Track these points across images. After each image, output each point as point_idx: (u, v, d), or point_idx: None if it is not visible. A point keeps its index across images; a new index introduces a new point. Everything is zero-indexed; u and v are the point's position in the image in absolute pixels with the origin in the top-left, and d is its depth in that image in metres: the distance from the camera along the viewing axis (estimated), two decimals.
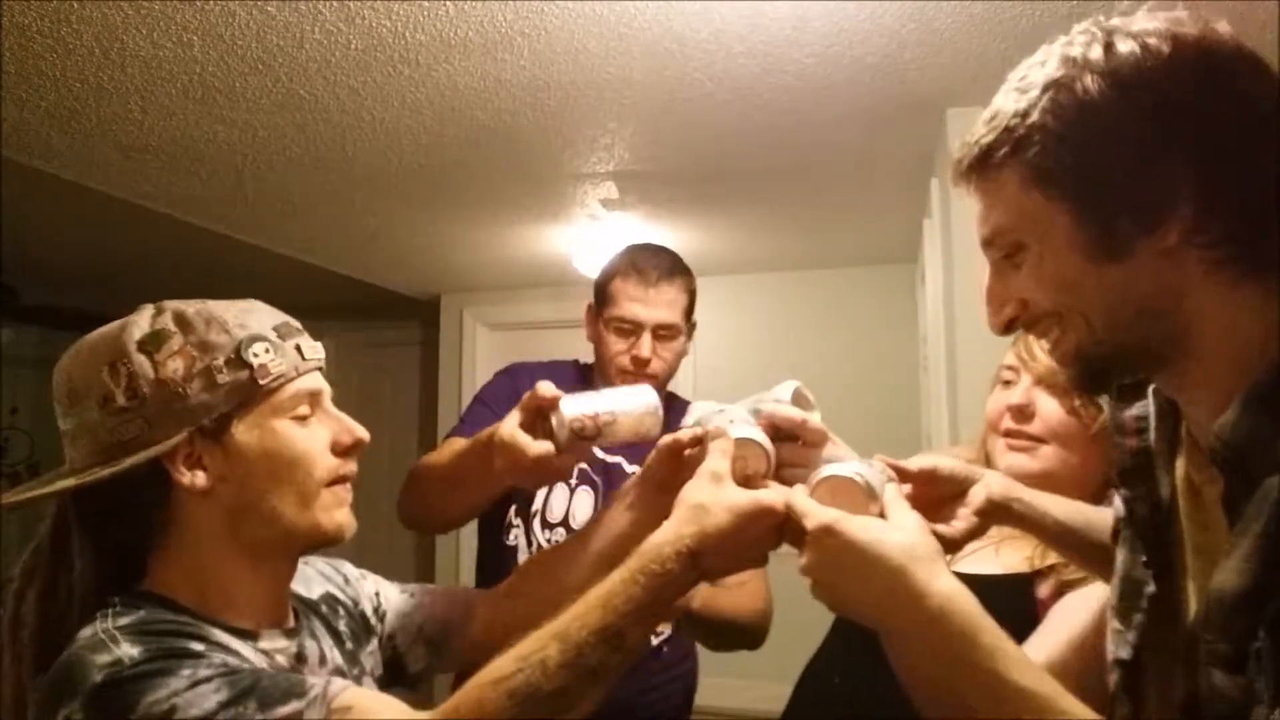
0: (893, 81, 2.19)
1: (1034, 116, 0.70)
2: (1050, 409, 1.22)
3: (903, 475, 0.93)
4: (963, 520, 0.94)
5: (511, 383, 1.72)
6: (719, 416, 1.00)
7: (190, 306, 0.89)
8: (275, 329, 0.91)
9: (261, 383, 0.87)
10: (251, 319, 0.90)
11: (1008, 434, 1.25)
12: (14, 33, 1.93)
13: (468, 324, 4.60)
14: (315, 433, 0.92)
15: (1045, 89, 0.71)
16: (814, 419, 0.99)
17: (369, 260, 4.02)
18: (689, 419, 1.03)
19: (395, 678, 1.07)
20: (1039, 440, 1.23)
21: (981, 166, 0.73)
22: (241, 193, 2.99)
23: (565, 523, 1.66)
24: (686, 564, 0.81)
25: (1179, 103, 0.66)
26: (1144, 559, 0.77)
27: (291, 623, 0.95)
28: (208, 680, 0.75)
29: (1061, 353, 0.73)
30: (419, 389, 4.98)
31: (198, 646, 0.79)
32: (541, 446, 1.08)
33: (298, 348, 0.92)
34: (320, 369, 0.96)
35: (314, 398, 0.94)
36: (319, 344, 0.96)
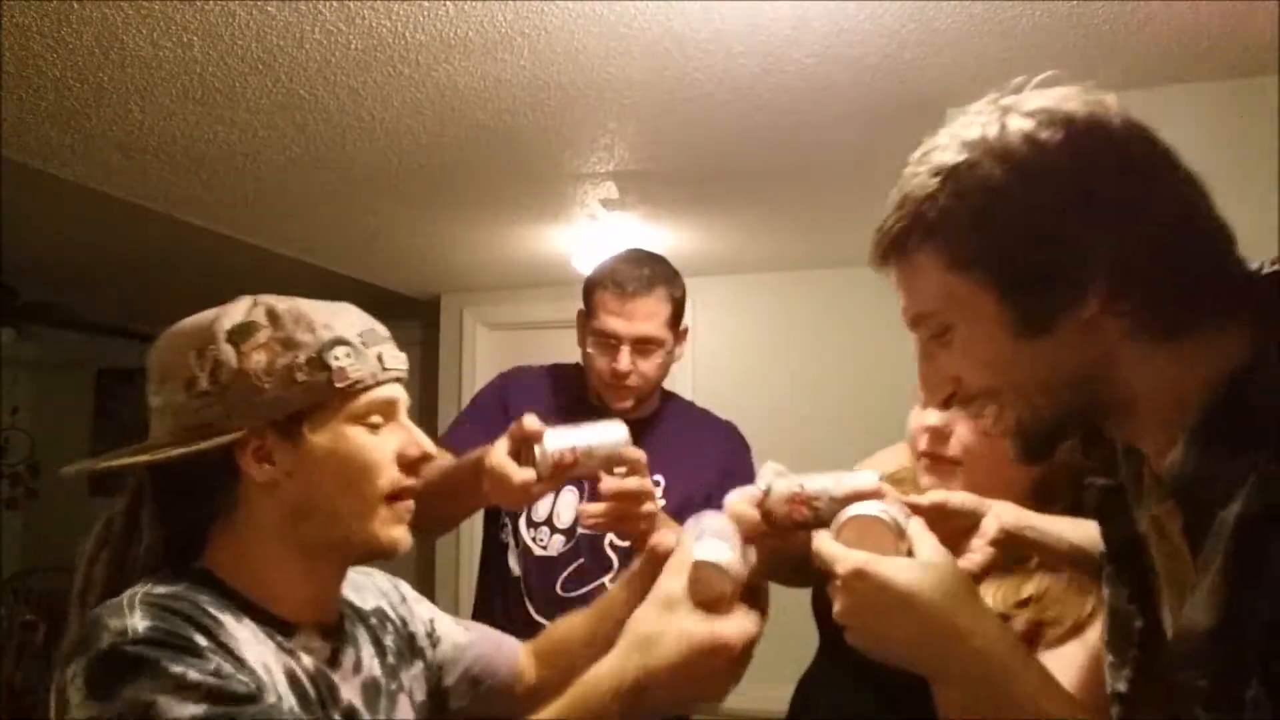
0: (893, 81, 2.19)
1: (942, 200, 0.71)
2: (966, 431, 1.19)
3: (914, 510, 0.91)
4: (978, 552, 0.94)
5: (500, 397, 1.76)
6: (780, 481, 0.96)
7: (282, 303, 0.90)
8: (360, 334, 0.92)
9: (338, 386, 0.88)
10: (339, 321, 0.91)
11: (924, 455, 1.23)
12: (14, 33, 1.92)
13: (468, 324, 4.60)
14: (385, 442, 0.92)
15: (949, 174, 0.71)
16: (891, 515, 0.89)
17: (369, 260, 4.02)
18: (760, 482, 0.98)
19: (437, 708, 1.06)
20: (955, 463, 1.20)
21: (897, 251, 0.75)
22: (241, 193, 2.99)
23: (549, 521, 1.72)
24: (628, 702, 0.75)
25: (1078, 181, 0.67)
26: (1128, 593, 0.77)
27: (335, 625, 0.95)
28: (195, 687, 0.74)
29: (1003, 428, 0.74)
30: (419, 389, 4.98)
31: (202, 641, 0.79)
32: (526, 474, 1.16)
33: (379, 356, 0.92)
34: (401, 379, 0.96)
35: (389, 407, 0.93)
36: (402, 354, 0.96)
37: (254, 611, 0.87)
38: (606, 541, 1.67)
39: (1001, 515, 0.96)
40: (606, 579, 1.66)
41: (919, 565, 0.76)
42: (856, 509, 0.83)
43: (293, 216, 3.29)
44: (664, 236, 3.55)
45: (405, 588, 1.12)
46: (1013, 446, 0.75)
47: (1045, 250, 0.67)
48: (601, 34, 1.96)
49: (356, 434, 0.90)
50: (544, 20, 1.90)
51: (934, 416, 1.21)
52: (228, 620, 0.83)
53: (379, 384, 0.92)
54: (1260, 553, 0.58)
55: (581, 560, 1.68)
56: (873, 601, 0.75)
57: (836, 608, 0.77)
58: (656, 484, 1.48)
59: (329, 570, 0.94)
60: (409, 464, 0.93)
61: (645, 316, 1.69)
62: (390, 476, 0.91)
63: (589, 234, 3.28)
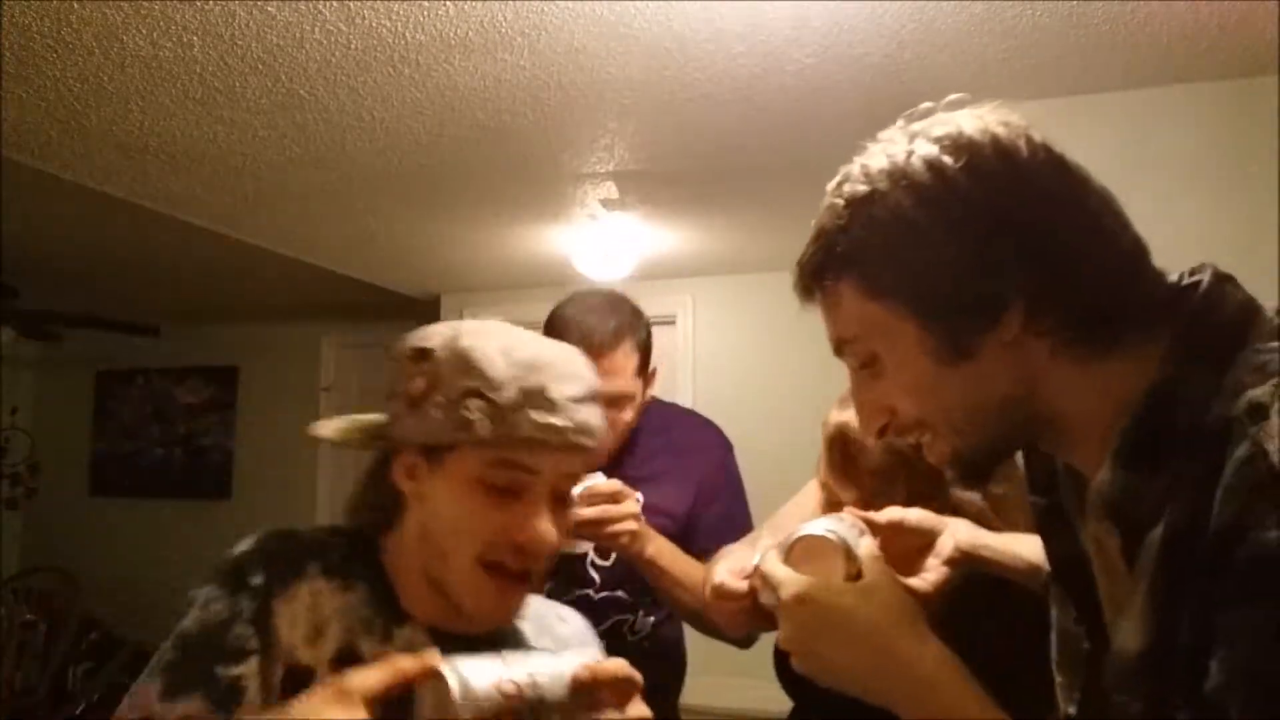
0: (893, 81, 2.19)
1: (854, 231, 0.71)
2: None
3: (871, 527, 0.91)
4: (933, 571, 0.93)
5: None
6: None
7: (473, 337, 0.88)
8: (529, 392, 0.85)
9: (465, 436, 0.85)
10: (535, 372, 0.86)
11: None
12: (14, 33, 1.93)
13: None
14: (494, 511, 0.87)
15: (859, 204, 0.71)
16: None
17: (369, 260, 4.02)
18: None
19: None
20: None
21: (817, 282, 0.75)
22: (241, 193, 2.99)
23: None
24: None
25: (985, 206, 0.67)
26: (1075, 614, 0.76)
27: (460, 637, 0.88)
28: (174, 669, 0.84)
29: (937, 455, 0.74)
30: None
31: (248, 608, 0.85)
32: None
33: (540, 422, 0.85)
34: (574, 450, 0.88)
35: (525, 479, 0.87)
36: (590, 430, 0.88)
37: (377, 585, 0.91)
38: (589, 560, 1.63)
39: (957, 534, 0.95)
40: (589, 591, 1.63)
41: (861, 589, 0.76)
42: (806, 529, 0.81)
43: (293, 216, 3.29)
44: (664, 236, 3.55)
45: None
46: (950, 472, 0.75)
47: (957, 276, 0.67)
48: (601, 34, 1.96)
49: (470, 491, 0.87)
50: (544, 20, 1.90)
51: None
52: (316, 574, 0.89)
53: (521, 448, 0.85)
54: (1180, 574, 0.58)
55: (560, 574, 1.59)
56: (815, 627, 0.74)
57: (781, 633, 0.77)
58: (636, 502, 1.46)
59: (445, 601, 0.91)
60: (509, 545, 0.86)
61: (615, 373, 1.59)
62: (484, 545, 0.87)
63: (589, 234, 3.28)
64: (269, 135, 2.52)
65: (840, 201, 0.73)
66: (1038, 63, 2.08)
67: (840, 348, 0.76)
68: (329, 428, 0.98)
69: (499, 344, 0.88)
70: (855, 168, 0.74)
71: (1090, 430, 0.68)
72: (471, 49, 2.03)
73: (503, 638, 0.93)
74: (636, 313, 1.67)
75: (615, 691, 0.76)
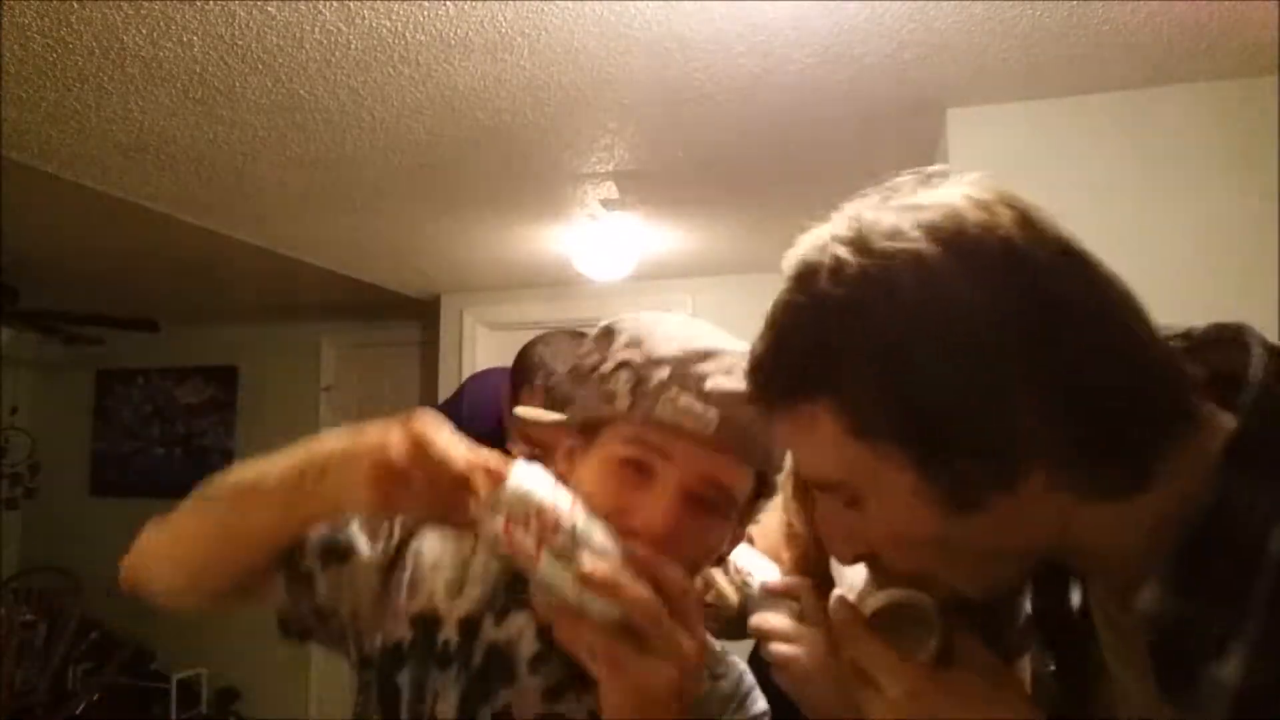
0: (893, 81, 2.18)
1: (834, 349, 0.58)
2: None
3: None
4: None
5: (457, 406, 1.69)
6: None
7: (682, 326, 0.86)
8: (701, 379, 0.79)
9: (607, 408, 0.81)
10: (702, 360, 0.81)
11: None
12: (14, 33, 1.92)
13: (468, 324, 4.60)
14: (634, 494, 0.79)
15: (839, 314, 0.58)
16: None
17: (369, 260, 4.02)
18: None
19: None
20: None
21: (782, 403, 0.61)
22: (241, 193, 2.99)
23: None
24: None
25: (998, 328, 0.55)
26: (1051, 667, 0.73)
27: None
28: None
29: (941, 599, 0.65)
30: (419, 389, 4.98)
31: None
32: None
33: (692, 411, 0.78)
34: (720, 448, 0.79)
35: (662, 463, 0.79)
36: (741, 435, 0.79)
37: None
38: None
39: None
40: None
41: (975, 680, 0.66)
42: (888, 594, 0.68)
43: (293, 216, 3.29)
44: (664, 236, 3.55)
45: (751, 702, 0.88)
46: (962, 598, 0.65)
47: (967, 419, 0.55)
48: (601, 34, 1.96)
49: (606, 470, 0.81)
50: (544, 20, 1.90)
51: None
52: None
53: (654, 429, 0.79)
54: None
55: None
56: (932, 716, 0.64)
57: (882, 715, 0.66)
58: None
59: None
60: (628, 531, 0.76)
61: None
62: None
63: (589, 234, 3.28)
64: (269, 135, 2.52)
65: (808, 303, 0.60)
66: (1038, 63, 2.08)
67: (814, 483, 0.64)
68: (530, 413, 0.99)
69: (684, 331, 0.84)
70: (825, 257, 0.61)
71: (1121, 557, 0.60)
72: (471, 49, 2.03)
73: None
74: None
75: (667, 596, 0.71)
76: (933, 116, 2.36)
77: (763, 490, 0.85)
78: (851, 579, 0.75)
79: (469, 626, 0.85)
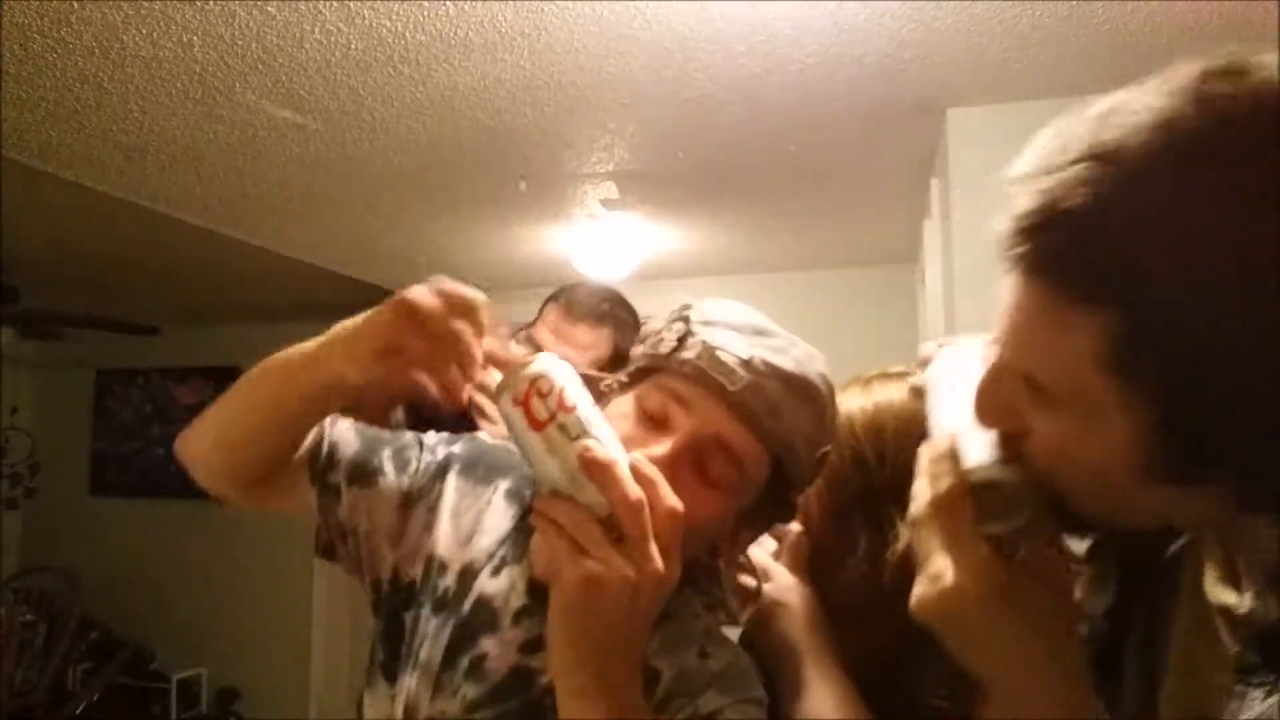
0: (893, 81, 2.18)
1: (1154, 274, 0.47)
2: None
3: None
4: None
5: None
6: None
7: (752, 311, 0.86)
8: (747, 345, 0.78)
9: (648, 352, 0.82)
10: (757, 335, 0.80)
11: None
12: (14, 33, 1.92)
13: None
14: (641, 430, 0.77)
15: (1176, 239, 0.47)
16: None
17: (369, 260, 4.02)
18: None
19: None
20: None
21: (1048, 282, 0.52)
22: (241, 193, 2.99)
23: None
24: None
25: None
26: (1105, 607, 0.71)
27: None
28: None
29: (1048, 503, 0.61)
30: None
31: (432, 453, 0.93)
32: None
33: (723, 363, 0.77)
34: (741, 411, 0.77)
35: (676, 411, 0.77)
36: (768, 404, 0.77)
37: (523, 520, 0.87)
38: None
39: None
40: None
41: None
42: (1006, 471, 0.64)
43: (293, 216, 3.29)
44: (664, 236, 3.55)
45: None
46: (1035, 532, 0.63)
47: (1242, 424, 0.48)
48: (601, 34, 1.96)
49: (625, 415, 0.79)
50: (544, 20, 1.90)
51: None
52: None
53: (680, 377, 0.78)
54: None
55: None
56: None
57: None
58: None
59: None
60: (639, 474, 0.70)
61: (580, 345, 1.56)
62: None
63: (589, 234, 3.28)
64: (269, 135, 2.52)
65: (1145, 210, 0.48)
66: (1038, 63, 2.08)
67: (1011, 365, 0.57)
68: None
69: (749, 310, 0.84)
70: (1146, 135, 0.48)
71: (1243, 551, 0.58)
72: (471, 49, 2.03)
73: None
74: (633, 320, 1.63)
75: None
76: (933, 116, 2.36)
77: (778, 490, 0.81)
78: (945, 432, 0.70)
79: (467, 576, 0.85)
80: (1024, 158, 0.54)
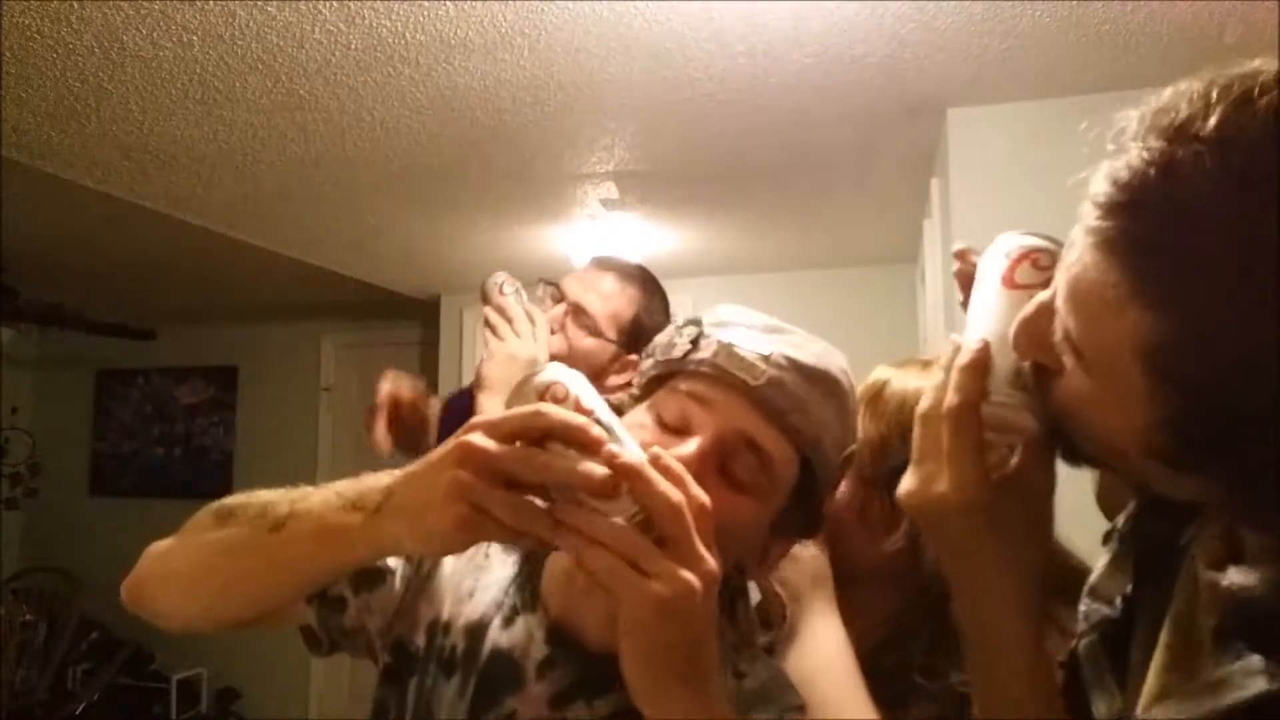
0: (893, 81, 2.18)
1: (1213, 298, 0.48)
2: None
3: None
4: None
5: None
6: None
7: (738, 308, 0.85)
8: (763, 341, 0.76)
9: (660, 359, 0.79)
10: (772, 332, 0.78)
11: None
12: (14, 33, 1.93)
13: (468, 324, 4.60)
14: (662, 438, 0.73)
15: (1238, 225, 0.47)
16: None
17: (369, 260, 4.02)
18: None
19: None
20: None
21: (1120, 259, 0.52)
22: (241, 193, 2.99)
23: None
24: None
25: None
26: (1129, 589, 0.73)
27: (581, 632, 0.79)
28: None
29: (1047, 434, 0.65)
30: None
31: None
32: None
33: (739, 356, 0.74)
34: (764, 406, 0.74)
35: (697, 414, 0.74)
36: (791, 397, 0.74)
37: (526, 565, 0.84)
38: None
39: None
40: None
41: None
42: (1017, 402, 0.68)
43: (293, 216, 3.29)
44: (664, 236, 3.55)
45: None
46: (1036, 443, 0.67)
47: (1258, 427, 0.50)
48: (601, 34, 1.96)
49: (641, 428, 0.75)
50: (544, 20, 1.90)
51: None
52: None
53: (695, 377, 0.75)
54: None
55: None
56: None
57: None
58: None
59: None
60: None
61: (598, 292, 1.55)
62: None
63: (589, 234, 3.28)
64: (269, 135, 2.52)
65: (1219, 206, 0.48)
66: (1038, 63, 2.08)
67: (1058, 330, 0.58)
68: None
69: (760, 315, 0.81)
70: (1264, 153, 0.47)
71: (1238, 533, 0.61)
72: (471, 49, 2.03)
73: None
74: (651, 287, 1.61)
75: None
76: (933, 116, 2.36)
77: (806, 495, 0.78)
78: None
79: (475, 631, 0.82)
80: (1151, 107, 0.52)
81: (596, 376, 1.43)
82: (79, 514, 5.22)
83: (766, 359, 0.74)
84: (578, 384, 0.68)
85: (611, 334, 1.55)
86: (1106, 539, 0.77)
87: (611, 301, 1.56)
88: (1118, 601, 0.72)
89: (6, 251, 3.44)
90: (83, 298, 4.40)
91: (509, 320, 1.51)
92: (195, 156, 2.66)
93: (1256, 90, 0.48)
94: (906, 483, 0.69)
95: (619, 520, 0.63)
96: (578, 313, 1.56)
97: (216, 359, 5.31)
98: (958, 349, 0.69)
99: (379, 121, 2.43)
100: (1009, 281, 0.70)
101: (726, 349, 0.75)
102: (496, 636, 0.81)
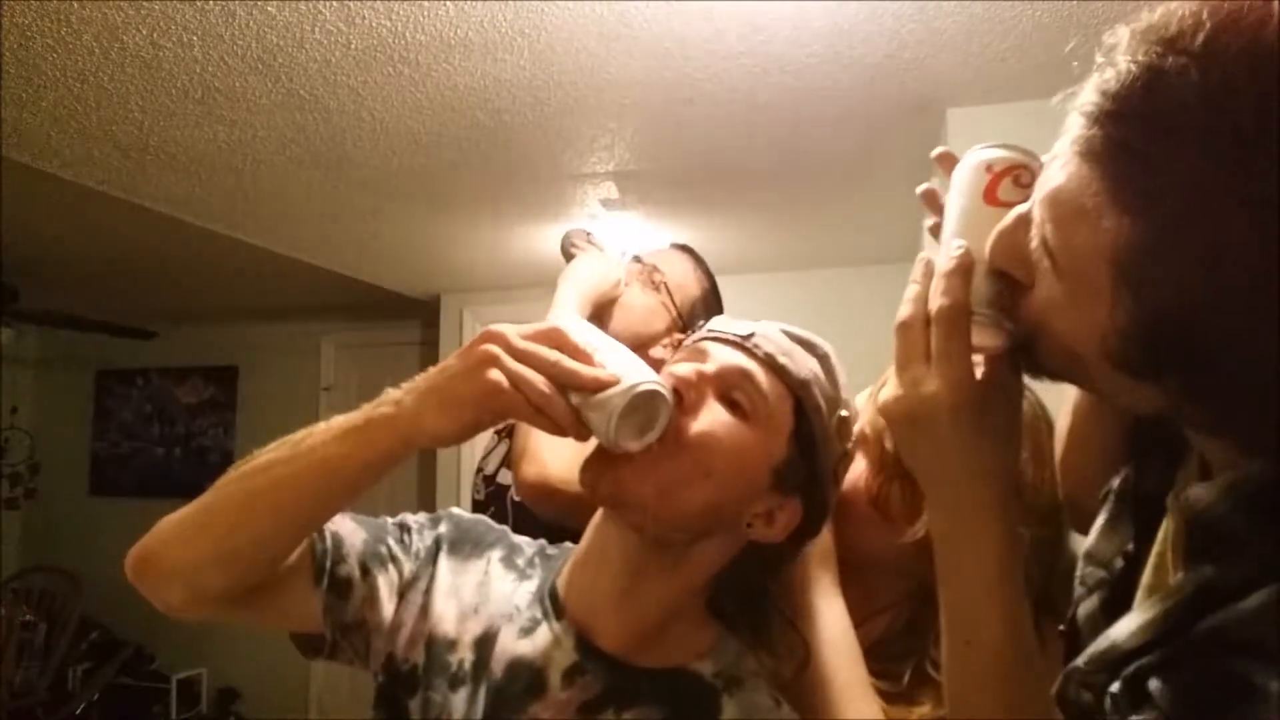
0: (893, 81, 2.18)
1: (1188, 208, 0.49)
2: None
3: None
4: None
5: None
6: None
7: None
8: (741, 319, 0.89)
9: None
10: (719, 319, 0.92)
11: None
12: (14, 33, 1.93)
13: (468, 324, 4.60)
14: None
15: (1211, 133, 0.48)
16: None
17: (369, 260, 4.02)
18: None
19: None
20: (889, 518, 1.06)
21: (1100, 165, 0.54)
22: (241, 193, 2.99)
23: (481, 469, 1.67)
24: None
25: None
26: (1130, 547, 0.73)
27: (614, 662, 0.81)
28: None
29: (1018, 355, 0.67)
30: None
31: (420, 539, 0.90)
32: None
33: (725, 317, 0.90)
34: (751, 350, 0.83)
35: (698, 358, 0.85)
36: (777, 345, 0.84)
37: (548, 579, 0.87)
38: (509, 494, 1.55)
39: None
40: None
41: None
42: (995, 324, 0.70)
43: (293, 216, 3.29)
44: (664, 236, 3.54)
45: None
46: (1007, 357, 0.69)
47: (1221, 342, 0.51)
48: (601, 34, 1.96)
49: None
50: (544, 20, 1.90)
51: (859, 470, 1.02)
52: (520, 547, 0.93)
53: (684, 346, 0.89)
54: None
55: (492, 509, 1.58)
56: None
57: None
58: None
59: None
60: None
61: (676, 265, 1.66)
62: None
63: None
64: (269, 135, 2.52)
65: (1202, 112, 0.49)
66: (1038, 63, 2.08)
67: (1036, 225, 0.60)
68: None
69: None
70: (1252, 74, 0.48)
71: (1207, 452, 0.63)
72: (471, 49, 2.03)
73: (675, 680, 0.81)
74: (717, 291, 1.71)
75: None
76: (933, 116, 2.36)
77: (805, 446, 0.82)
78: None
79: (485, 644, 0.82)
80: (1141, 24, 0.54)
81: (644, 345, 1.53)
82: (79, 514, 5.22)
83: (754, 326, 0.86)
84: (587, 333, 0.76)
85: (676, 301, 1.64)
86: (1102, 500, 0.77)
87: (686, 276, 1.66)
88: (1118, 562, 0.72)
89: (6, 251, 3.44)
90: (83, 298, 4.40)
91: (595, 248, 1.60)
92: (195, 156, 2.66)
93: (1245, 9, 0.49)
94: (890, 390, 0.71)
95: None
96: (653, 273, 1.64)
97: (216, 359, 5.31)
98: (929, 262, 0.72)
99: (379, 121, 2.43)
100: (991, 198, 0.71)
101: (720, 321, 0.87)
102: (513, 646, 0.81)
